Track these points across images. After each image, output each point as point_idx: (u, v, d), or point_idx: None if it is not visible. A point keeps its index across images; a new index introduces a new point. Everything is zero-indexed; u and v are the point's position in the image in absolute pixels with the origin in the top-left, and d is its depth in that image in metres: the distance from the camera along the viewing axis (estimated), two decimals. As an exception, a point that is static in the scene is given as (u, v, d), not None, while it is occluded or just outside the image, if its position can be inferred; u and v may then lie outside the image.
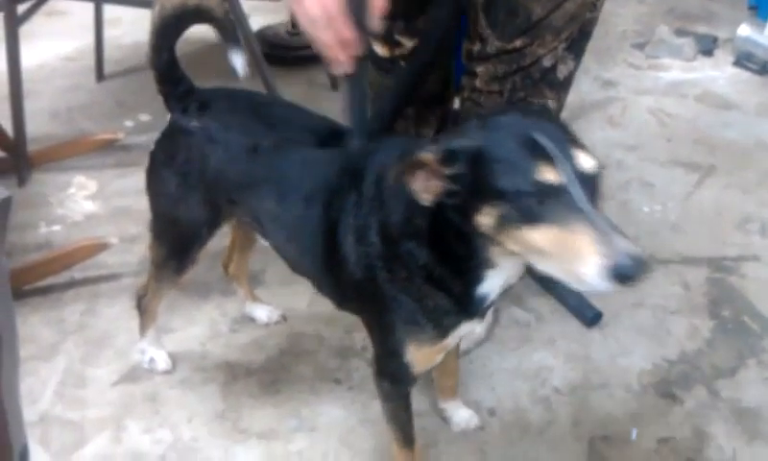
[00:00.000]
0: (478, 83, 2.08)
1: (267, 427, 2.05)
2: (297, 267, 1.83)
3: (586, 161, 1.22)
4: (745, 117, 3.63)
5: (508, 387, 2.17)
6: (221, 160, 1.76)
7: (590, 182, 1.21)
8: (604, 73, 4.05)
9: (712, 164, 3.18)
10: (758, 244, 2.76)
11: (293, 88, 3.76)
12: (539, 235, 1.19)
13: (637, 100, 3.77)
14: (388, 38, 2.24)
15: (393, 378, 1.67)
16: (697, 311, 2.45)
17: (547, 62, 2.01)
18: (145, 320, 2.18)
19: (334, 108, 3.12)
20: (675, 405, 2.12)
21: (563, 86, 2.07)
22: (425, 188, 1.31)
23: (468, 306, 1.50)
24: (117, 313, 2.43)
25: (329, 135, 1.70)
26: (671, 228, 2.83)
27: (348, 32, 1.54)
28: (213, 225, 1.91)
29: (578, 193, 1.18)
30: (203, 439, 2.02)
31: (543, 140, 1.22)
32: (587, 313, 2.37)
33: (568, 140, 1.24)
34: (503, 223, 1.23)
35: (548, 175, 1.19)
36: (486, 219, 1.26)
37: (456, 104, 2.39)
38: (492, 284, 1.46)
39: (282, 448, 1.99)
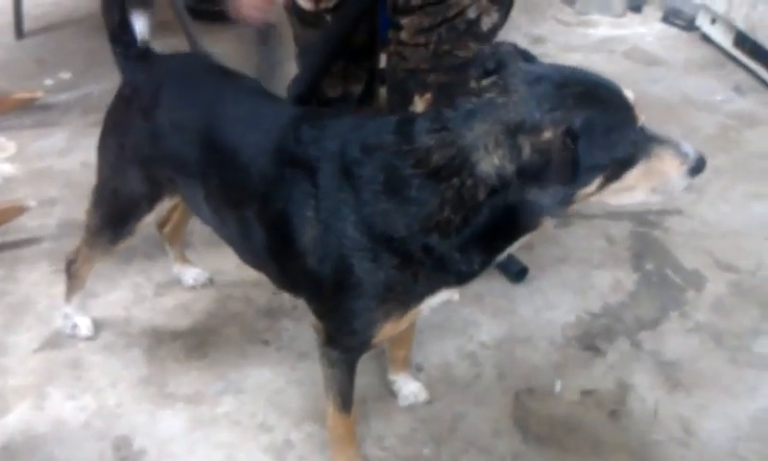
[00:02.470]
0: (404, 35, 2.06)
1: (193, 391, 2.03)
2: (244, 257, 1.78)
3: (630, 96, 1.33)
4: (671, 73, 3.69)
5: (435, 343, 2.19)
6: (161, 135, 1.70)
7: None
8: (533, 29, 4.07)
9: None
10: (683, 198, 2.80)
11: (220, 44, 3.65)
12: (634, 175, 1.31)
13: (566, 56, 3.79)
14: None
15: (345, 349, 1.64)
16: (621, 265, 2.50)
17: (472, 14, 2.00)
18: (72, 285, 2.13)
19: (262, 64, 3.08)
20: (598, 357, 2.16)
21: (487, 38, 2.07)
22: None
23: (467, 277, 1.47)
24: (37, 278, 2.37)
25: (278, 118, 1.62)
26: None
27: None
28: (153, 200, 1.85)
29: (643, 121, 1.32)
30: (127, 404, 1.99)
31: (610, 92, 1.31)
32: (513, 269, 2.39)
33: (613, 83, 1.34)
34: (606, 183, 1.29)
35: (638, 123, 1.31)
36: (591, 188, 1.28)
37: (383, 61, 2.38)
38: (514, 248, 1.46)
39: (209, 411, 1.98)
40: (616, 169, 1.28)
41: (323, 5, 2.23)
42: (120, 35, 1.78)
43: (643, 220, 2.70)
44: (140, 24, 1.79)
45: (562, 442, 1.92)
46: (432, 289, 1.49)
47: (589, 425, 1.97)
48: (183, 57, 1.82)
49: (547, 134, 1.22)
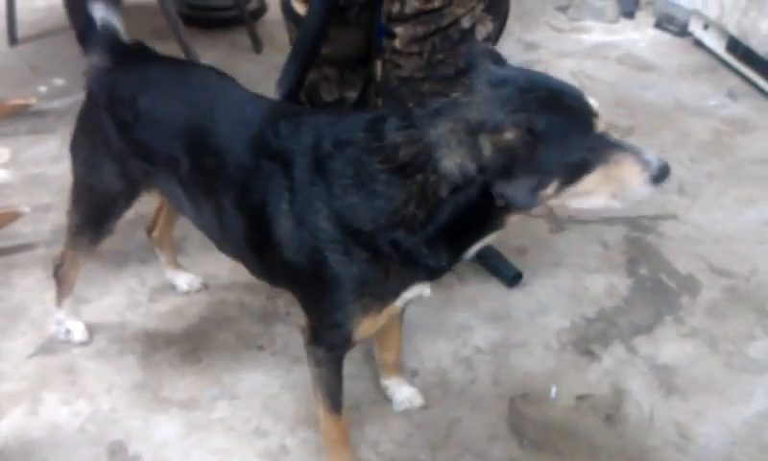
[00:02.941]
0: (398, 44, 2.06)
1: (188, 396, 2.02)
2: (222, 248, 1.79)
3: (594, 103, 1.37)
4: (664, 79, 3.70)
5: (430, 348, 2.19)
6: (136, 129, 1.71)
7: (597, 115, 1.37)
8: (526, 35, 4.07)
9: (631, 125, 3.22)
10: (676, 203, 2.83)
11: (214, 51, 3.68)
12: (591, 181, 1.32)
13: (559, 62, 3.79)
14: None
15: (329, 346, 1.65)
16: (615, 270, 2.50)
17: (466, 23, 2.00)
18: (62, 290, 2.12)
19: (256, 70, 3.11)
20: (593, 362, 2.17)
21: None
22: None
23: (436, 272, 1.50)
24: (31, 284, 2.36)
25: (258, 115, 1.64)
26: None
27: None
28: (130, 196, 1.86)
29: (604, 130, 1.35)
30: (122, 410, 1.98)
31: (572, 98, 1.34)
32: (507, 274, 2.39)
33: (576, 89, 1.38)
34: (562, 187, 1.31)
35: (597, 129, 1.34)
36: (548, 191, 1.30)
37: (378, 69, 2.37)
38: (481, 246, 1.48)
39: (204, 417, 1.97)
40: (573, 173, 1.31)
41: None
42: (87, 35, 1.78)
43: (637, 225, 2.70)
44: (114, 19, 1.79)
45: (557, 447, 1.92)
46: (405, 284, 1.53)
47: (585, 431, 1.97)
48: (149, 52, 1.82)
49: (509, 134, 1.26)
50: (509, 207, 1.33)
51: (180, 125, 1.66)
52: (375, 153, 1.40)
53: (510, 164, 1.25)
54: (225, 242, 1.76)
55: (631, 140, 3.03)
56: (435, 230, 1.39)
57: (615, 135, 1.38)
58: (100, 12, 1.79)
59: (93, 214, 1.92)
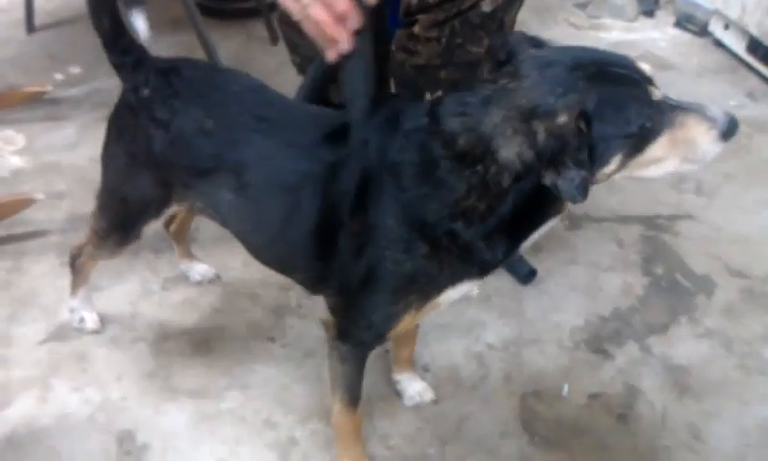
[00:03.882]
0: (417, 29, 2.04)
1: (198, 386, 2.02)
2: (263, 257, 1.74)
3: (647, 68, 1.34)
4: (683, 78, 3.67)
5: (442, 344, 2.17)
6: (174, 140, 1.66)
7: (654, 82, 1.34)
8: (545, 32, 4.03)
9: (650, 124, 3.19)
10: (693, 203, 2.80)
11: (230, 42, 3.68)
12: (659, 147, 1.31)
13: (578, 60, 3.75)
14: None
15: (357, 343, 1.63)
16: (630, 269, 2.48)
17: (486, 7, 1.98)
18: (77, 280, 2.12)
19: (272, 63, 3.10)
20: (606, 361, 2.14)
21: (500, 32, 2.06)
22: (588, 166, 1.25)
23: (489, 267, 1.48)
24: (44, 271, 2.36)
25: (303, 117, 1.62)
26: (606, 185, 2.82)
27: (342, 2, 1.43)
28: (162, 206, 1.81)
29: (663, 93, 1.32)
30: (132, 398, 1.98)
31: (623, 68, 1.30)
32: (521, 271, 2.38)
33: (626, 57, 1.34)
34: (626, 160, 1.30)
35: (654, 95, 1.30)
36: (611, 166, 1.29)
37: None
38: (538, 234, 1.45)
39: (214, 407, 1.97)
40: (636, 144, 1.28)
41: None
42: (115, 42, 1.74)
43: (653, 224, 2.67)
44: (140, 23, 1.76)
45: (568, 445, 1.91)
46: (454, 280, 1.49)
47: (597, 429, 1.95)
48: (192, 63, 1.79)
49: (562, 119, 1.23)
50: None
51: (230, 139, 1.61)
52: (436, 138, 1.37)
53: (563, 150, 1.22)
54: (271, 251, 1.71)
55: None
56: (495, 223, 1.36)
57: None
58: (140, 21, 1.78)
59: (123, 221, 1.88)
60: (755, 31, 3.56)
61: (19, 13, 3.85)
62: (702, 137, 1.32)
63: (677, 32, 4.14)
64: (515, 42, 1.39)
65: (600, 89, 1.26)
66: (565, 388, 2.05)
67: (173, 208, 1.82)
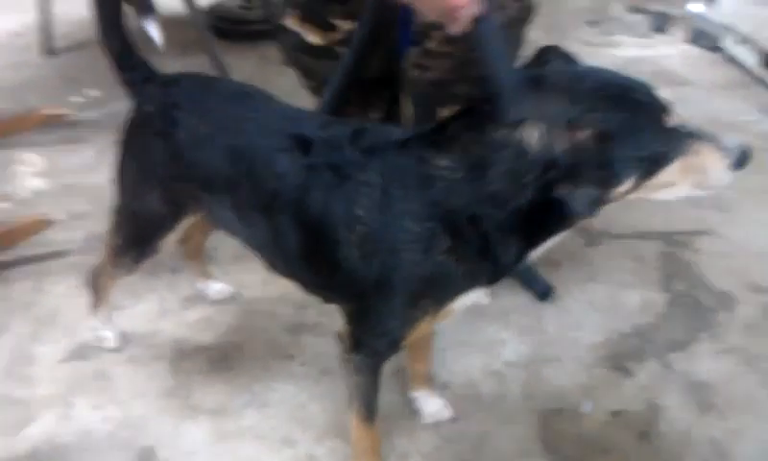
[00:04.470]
0: (432, 44, 2.05)
1: (217, 404, 2.02)
2: (275, 266, 1.75)
3: (664, 94, 1.39)
4: (697, 94, 3.67)
5: (461, 361, 2.16)
6: (185, 155, 1.70)
7: (671, 109, 1.38)
8: (560, 50, 4.05)
9: (666, 140, 3.18)
10: (713, 219, 2.79)
11: (244, 63, 3.71)
12: (671, 172, 1.35)
13: (593, 77, 3.75)
14: (322, 23, 2.20)
15: (372, 352, 1.63)
16: (650, 285, 2.47)
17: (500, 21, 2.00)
18: (98, 299, 2.14)
19: (286, 84, 3.11)
20: (627, 378, 2.13)
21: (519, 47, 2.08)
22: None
23: (503, 272, 1.52)
24: (65, 290, 2.38)
25: (308, 127, 1.63)
26: (625, 202, 2.82)
27: None
28: (175, 218, 1.85)
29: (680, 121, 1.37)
30: (152, 416, 1.98)
31: (641, 93, 1.36)
32: (539, 287, 2.37)
33: (645, 83, 1.39)
34: (639, 181, 1.34)
35: (669, 122, 1.35)
36: (623, 187, 1.34)
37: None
38: (549, 245, 1.50)
39: (233, 424, 1.96)
40: (650, 167, 1.33)
41: (332, 37, 2.24)
42: (125, 61, 1.79)
43: (673, 240, 2.66)
44: (154, 30, 1.80)
45: (591, 463, 1.89)
46: (469, 282, 1.51)
47: (619, 447, 1.93)
48: (192, 75, 1.83)
49: (585, 133, 1.27)
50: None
51: (231, 146, 1.64)
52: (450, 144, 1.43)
53: (582, 164, 1.27)
54: (279, 260, 1.72)
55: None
56: (513, 216, 1.39)
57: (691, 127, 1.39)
58: (152, 28, 1.82)
59: (138, 237, 1.92)
60: (767, 46, 3.57)
61: (35, 37, 3.90)
62: (714, 166, 1.37)
63: (689, 48, 4.15)
64: (550, 54, 1.47)
65: (621, 111, 1.31)
66: (587, 405, 2.03)
67: (187, 221, 1.86)
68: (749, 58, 3.79)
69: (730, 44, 3.94)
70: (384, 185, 1.47)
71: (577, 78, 1.37)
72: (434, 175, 1.43)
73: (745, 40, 3.79)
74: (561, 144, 1.28)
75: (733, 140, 1.38)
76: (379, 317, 1.56)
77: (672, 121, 1.36)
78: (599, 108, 1.30)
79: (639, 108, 1.33)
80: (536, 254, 1.50)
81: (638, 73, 3.80)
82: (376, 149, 1.52)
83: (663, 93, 3.60)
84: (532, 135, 1.32)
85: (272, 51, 3.88)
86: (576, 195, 1.27)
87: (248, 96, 1.76)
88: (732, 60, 3.95)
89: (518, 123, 1.34)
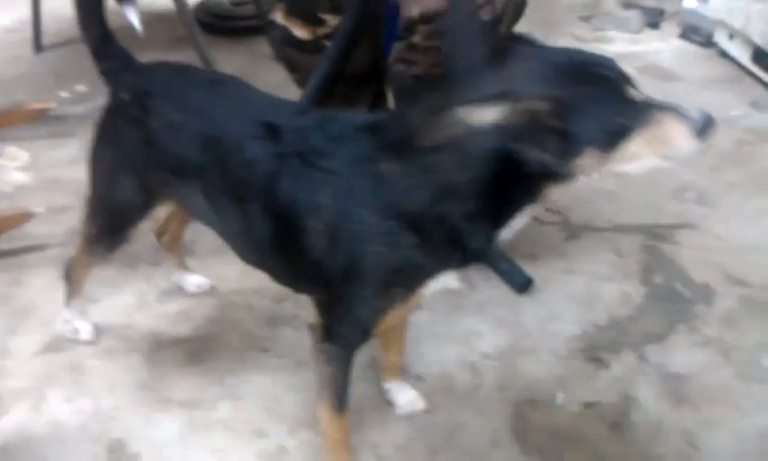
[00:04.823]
0: (417, 39, 2.05)
1: (190, 396, 2.02)
2: (247, 257, 1.76)
3: (624, 67, 1.39)
4: (688, 89, 3.65)
5: (436, 353, 2.16)
6: (157, 142, 1.70)
7: (633, 82, 1.39)
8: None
9: (651, 134, 3.17)
10: (694, 212, 2.78)
11: (235, 59, 3.71)
12: (634, 145, 1.35)
13: (581, 71, 3.75)
14: (310, 18, 2.21)
15: (343, 343, 1.63)
16: (629, 278, 2.46)
17: (485, 16, 2.00)
18: (71, 291, 2.14)
19: (276, 79, 3.13)
20: (602, 370, 2.12)
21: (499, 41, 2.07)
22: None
23: (470, 256, 1.51)
24: (43, 284, 2.38)
25: (278, 115, 1.64)
26: (607, 196, 2.83)
27: None
28: (148, 207, 1.86)
29: (641, 94, 1.37)
30: (124, 408, 1.99)
31: (602, 67, 1.36)
32: (518, 280, 2.36)
33: (608, 58, 1.40)
34: (600, 154, 1.33)
35: (629, 94, 1.35)
36: (582, 160, 1.33)
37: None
38: (518, 223, 1.48)
39: (205, 417, 1.97)
40: (610, 140, 1.33)
41: (320, 31, 2.24)
42: (104, 50, 1.80)
43: (654, 234, 2.66)
44: (133, 16, 1.81)
45: (561, 454, 1.88)
46: (439, 269, 1.52)
47: (591, 438, 1.92)
48: (168, 64, 1.84)
49: (540, 105, 1.27)
50: (545, 175, 1.35)
51: (203, 134, 1.65)
52: (413, 129, 1.42)
53: (537, 135, 1.27)
54: (250, 250, 1.73)
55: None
56: (476, 200, 1.39)
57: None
58: (132, 13, 1.83)
59: (110, 225, 1.93)
60: (759, 40, 3.55)
61: (27, 33, 3.91)
62: (678, 135, 1.37)
63: (682, 43, 4.13)
64: (513, 40, 1.52)
65: (579, 85, 1.32)
66: (559, 397, 2.03)
67: (160, 209, 1.87)
68: (741, 52, 3.77)
69: (722, 39, 3.92)
70: (347, 176, 1.47)
71: (537, 57, 1.39)
72: (389, 179, 1.44)
73: (737, 35, 3.77)
74: (518, 117, 1.28)
75: (695, 109, 1.38)
76: (349, 306, 1.56)
77: (632, 93, 1.36)
78: (557, 83, 1.31)
79: (599, 81, 1.34)
80: (506, 232, 1.49)
81: (629, 68, 3.82)
82: (341, 137, 1.52)
83: (654, 88, 3.62)
84: (488, 115, 1.30)
85: (262, 47, 3.89)
86: (538, 162, 1.28)
87: (221, 84, 1.77)
88: (724, 55, 3.93)
89: (475, 104, 1.33)
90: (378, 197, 1.45)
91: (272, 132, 1.59)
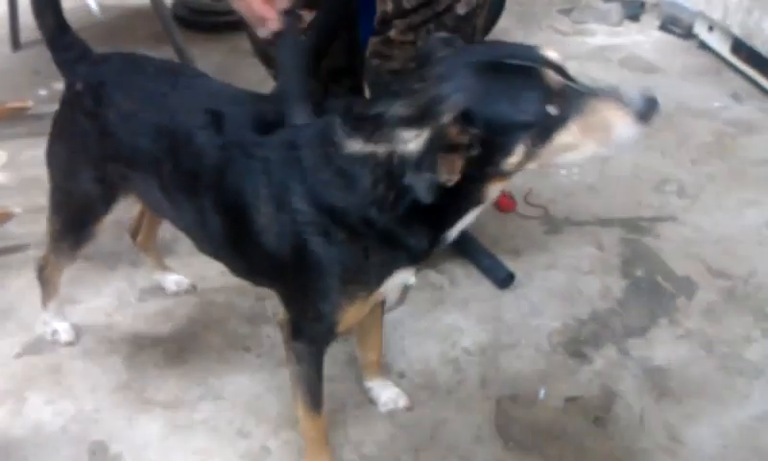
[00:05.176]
0: (393, 34, 2.04)
1: (172, 397, 2.01)
2: (203, 248, 1.76)
3: (553, 55, 1.32)
4: (668, 81, 3.66)
5: (419, 349, 2.16)
6: (111, 132, 1.68)
7: (564, 69, 1.31)
8: (529, 38, 4.03)
9: (632, 127, 3.17)
10: (675, 205, 2.79)
11: (214, 55, 3.68)
12: (569, 134, 1.28)
13: (562, 65, 3.75)
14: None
15: (311, 340, 1.63)
16: (610, 271, 2.47)
17: (461, 10, 1.99)
18: (47, 292, 2.12)
19: (256, 75, 3.11)
20: (584, 364, 2.13)
21: (473, 37, 2.07)
22: (450, 170, 1.25)
23: (418, 255, 1.48)
24: (23, 285, 2.35)
25: (235, 104, 1.62)
26: (588, 189, 2.84)
27: None
28: (108, 201, 1.83)
29: (572, 81, 1.29)
30: (105, 410, 1.97)
31: (519, 59, 1.28)
32: (499, 274, 2.36)
33: (527, 47, 1.32)
34: (533, 149, 1.28)
35: (554, 82, 1.26)
36: (515, 157, 1.29)
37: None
38: (466, 222, 1.45)
39: (187, 417, 1.95)
40: (540, 133, 1.27)
41: None
42: (59, 40, 1.78)
43: (635, 227, 2.66)
44: (92, 1, 1.79)
45: (544, 449, 1.89)
46: (388, 269, 1.49)
47: (573, 433, 1.93)
48: (122, 54, 1.82)
49: (444, 119, 1.24)
50: (483, 177, 1.33)
51: (155, 125, 1.63)
52: (343, 134, 1.39)
53: (444, 149, 1.24)
54: (205, 242, 1.73)
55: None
56: (406, 211, 1.36)
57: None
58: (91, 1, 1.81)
59: (72, 221, 1.91)
60: (738, 31, 3.56)
61: (4, 30, 3.86)
62: (617, 121, 1.28)
63: (662, 35, 4.14)
64: (431, 44, 1.41)
65: (491, 83, 1.27)
66: (542, 392, 2.03)
67: (120, 203, 1.84)
68: (720, 44, 3.79)
69: (702, 31, 3.93)
70: (279, 163, 1.47)
71: (447, 63, 1.33)
72: (315, 170, 1.42)
73: (716, 26, 3.78)
74: (428, 133, 1.25)
75: (635, 92, 1.29)
76: (309, 302, 1.55)
77: (556, 81, 1.27)
78: (463, 87, 1.26)
79: (515, 73, 1.27)
80: (454, 233, 1.47)
81: (608, 60, 3.83)
82: (279, 127, 1.51)
83: (634, 80, 3.62)
84: (400, 136, 1.29)
85: (242, 42, 3.84)
86: (418, 180, 1.25)
87: (175, 73, 1.74)
88: (704, 47, 3.95)
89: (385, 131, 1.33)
90: (307, 187, 1.43)
91: (217, 121, 1.58)
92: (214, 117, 1.58)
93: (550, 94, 1.26)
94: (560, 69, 1.30)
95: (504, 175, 1.33)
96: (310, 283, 1.50)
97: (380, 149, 1.33)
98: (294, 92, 1.54)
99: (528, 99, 1.26)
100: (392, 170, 1.31)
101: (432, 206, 1.31)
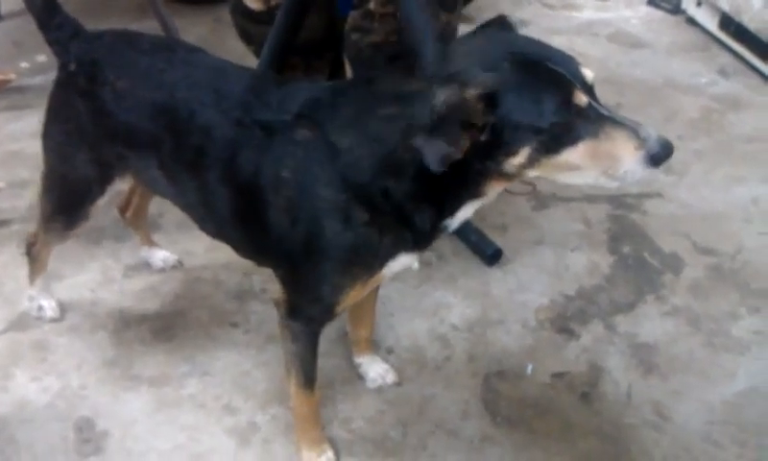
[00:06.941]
0: (372, 5, 2.03)
1: (158, 373, 2.00)
2: (205, 227, 1.74)
3: (588, 74, 1.29)
4: (655, 56, 3.66)
5: (407, 326, 2.16)
6: (107, 112, 1.66)
7: (593, 89, 1.29)
8: (517, 12, 4.02)
9: (619, 102, 3.18)
10: (662, 181, 2.79)
11: (198, 27, 3.65)
12: (577, 154, 1.25)
13: (549, 40, 3.69)
14: None
15: (308, 320, 1.62)
16: (597, 248, 2.47)
17: None
18: (34, 268, 2.10)
19: (240, 48, 3.08)
20: (571, 340, 2.14)
21: (455, 6, 2.06)
22: (456, 144, 1.23)
23: (425, 239, 1.48)
24: (5, 260, 2.33)
25: (234, 81, 1.60)
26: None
27: None
28: (104, 182, 1.81)
29: (598, 103, 1.26)
30: (91, 386, 1.96)
31: (557, 65, 1.25)
32: (487, 251, 2.36)
33: (568, 57, 1.30)
34: (537, 156, 1.26)
35: (578, 99, 1.24)
36: (518, 158, 1.26)
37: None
38: (465, 214, 1.45)
39: (174, 393, 1.95)
40: (548, 142, 1.25)
41: (273, 2, 2.21)
42: (48, 18, 1.74)
43: (622, 203, 2.67)
44: None
45: (531, 424, 1.90)
46: (393, 252, 1.49)
47: (560, 408, 1.94)
48: (115, 31, 1.78)
49: (469, 92, 1.22)
50: (486, 171, 1.32)
51: (157, 103, 1.61)
52: (369, 101, 1.41)
53: (450, 120, 1.23)
54: (209, 221, 1.70)
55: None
56: (415, 184, 1.36)
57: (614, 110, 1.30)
58: None
59: (67, 202, 1.89)
60: (726, 7, 3.56)
61: (-14, 2, 3.81)
62: (627, 155, 1.24)
63: (649, 10, 4.14)
64: (489, 23, 1.43)
65: (521, 78, 1.25)
66: (529, 368, 2.04)
67: (118, 184, 1.83)
68: (708, 19, 3.78)
69: (690, 6, 3.92)
70: (306, 150, 1.45)
71: (490, 43, 1.33)
72: (340, 151, 1.42)
73: (704, 2, 3.77)
74: (445, 101, 1.23)
75: (655, 132, 1.25)
76: (311, 283, 1.55)
77: (582, 99, 1.25)
78: (496, 70, 1.25)
79: (545, 78, 1.24)
80: (454, 222, 1.47)
81: (596, 35, 3.81)
82: (301, 108, 1.49)
83: (622, 56, 3.59)
84: (425, 100, 1.27)
85: (225, 14, 3.80)
86: (429, 145, 1.23)
87: (171, 49, 1.72)
88: (692, 22, 3.94)
89: (417, 86, 1.33)
90: (331, 170, 1.42)
91: (228, 98, 1.55)
92: (224, 93, 1.56)
93: (572, 109, 1.24)
94: (590, 89, 1.27)
95: (504, 175, 1.32)
96: (316, 266, 1.50)
97: (402, 114, 1.34)
98: (425, 30, 1.51)
99: (549, 106, 1.23)
100: (408, 134, 1.31)
101: (435, 185, 1.33)
